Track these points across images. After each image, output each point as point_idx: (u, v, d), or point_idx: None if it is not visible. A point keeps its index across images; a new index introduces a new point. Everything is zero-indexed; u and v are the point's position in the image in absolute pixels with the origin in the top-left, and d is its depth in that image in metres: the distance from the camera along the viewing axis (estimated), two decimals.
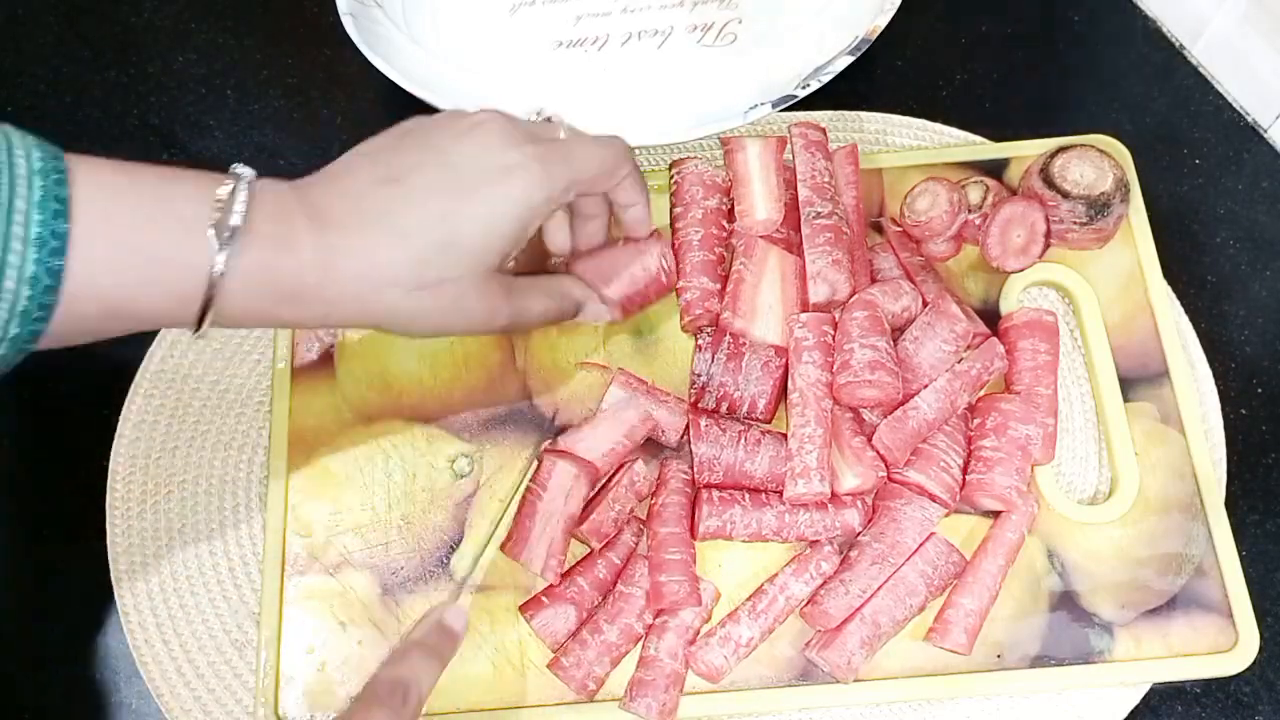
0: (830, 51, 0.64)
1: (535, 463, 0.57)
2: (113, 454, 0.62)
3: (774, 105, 0.62)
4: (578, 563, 0.57)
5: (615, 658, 0.55)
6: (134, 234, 0.41)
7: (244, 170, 0.45)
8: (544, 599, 0.56)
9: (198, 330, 0.44)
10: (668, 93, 0.69)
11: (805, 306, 0.59)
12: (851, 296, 0.59)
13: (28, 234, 0.39)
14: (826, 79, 0.63)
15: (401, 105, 0.70)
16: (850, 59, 0.63)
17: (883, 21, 0.64)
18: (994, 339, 0.59)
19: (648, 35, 0.70)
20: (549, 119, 0.54)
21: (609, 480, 0.58)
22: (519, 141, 0.49)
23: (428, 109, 0.63)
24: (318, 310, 0.46)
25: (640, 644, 0.55)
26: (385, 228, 0.46)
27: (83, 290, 0.41)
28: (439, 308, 0.48)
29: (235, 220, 0.43)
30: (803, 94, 0.62)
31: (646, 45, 0.70)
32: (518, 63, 0.70)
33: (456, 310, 0.49)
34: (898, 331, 0.59)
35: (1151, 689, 0.57)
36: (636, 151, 0.67)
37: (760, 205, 0.60)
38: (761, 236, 0.61)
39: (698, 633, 0.55)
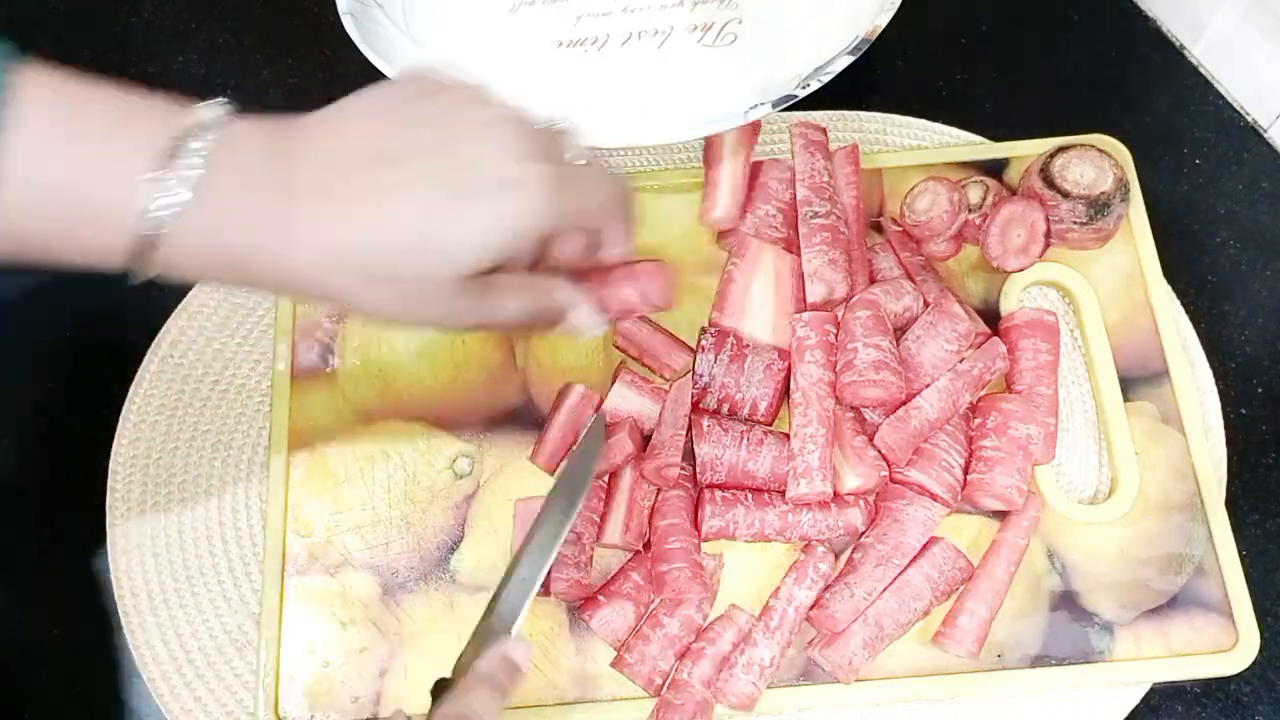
0: (830, 51, 0.64)
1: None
2: (113, 454, 0.62)
3: (774, 105, 0.62)
4: (629, 560, 0.57)
5: (679, 651, 0.55)
6: (80, 155, 0.38)
7: (214, 109, 0.41)
8: (601, 598, 0.56)
9: (136, 278, 0.41)
10: (668, 93, 0.69)
11: (803, 305, 0.59)
12: (849, 295, 0.59)
13: None
14: (827, 79, 0.63)
15: None
16: (851, 59, 0.63)
17: (883, 21, 0.64)
18: (995, 339, 0.59)
19: (648, 35, 0.70)
20: (563, 131, 0.49)
21: (613, 485, 0.58)
22: (532, 157, 0.44)
23: None
24: (269, 278, 0.43)
25: (700, 634, 0.55)
26: (362, 209, 0.42)
27: (8, 198, 0.38)
28: (399, 302, 0.44)
29: (190, 173, 0.39)
30: (803, 94, 0.62)
31: (646, 45, 0.70)
32: (518, 63, 0.70)
33: (418, 308, 0.44)
34: (899, 331, 0.59)
35: (1151, 689, 0.57)
36: (636, 152, 0.68)
37: (722, 201, 0.62)
38: (757, 236, 0.61)
39: (726, 660, 0.54)
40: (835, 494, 0.55)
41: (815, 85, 0.63)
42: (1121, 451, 0.59)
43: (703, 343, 0.59)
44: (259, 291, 0.44)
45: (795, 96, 0.63)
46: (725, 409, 0.58)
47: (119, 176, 0.39)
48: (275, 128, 0.42)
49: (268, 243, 0.41)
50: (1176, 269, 0.64)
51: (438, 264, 0.43)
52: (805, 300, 0.59)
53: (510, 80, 0.69)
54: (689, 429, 0.57)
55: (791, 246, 0.61)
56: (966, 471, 0.57)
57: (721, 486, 0.56)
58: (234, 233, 0.41)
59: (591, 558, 0.56)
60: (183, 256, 0.40)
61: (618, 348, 0.61)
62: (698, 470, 0.56)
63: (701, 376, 0.58)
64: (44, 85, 0.38)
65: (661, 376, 0.61)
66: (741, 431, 0.57)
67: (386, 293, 0.43)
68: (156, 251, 0.40)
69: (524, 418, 0.61)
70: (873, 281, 0.61)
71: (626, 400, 0.59)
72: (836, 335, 0.58)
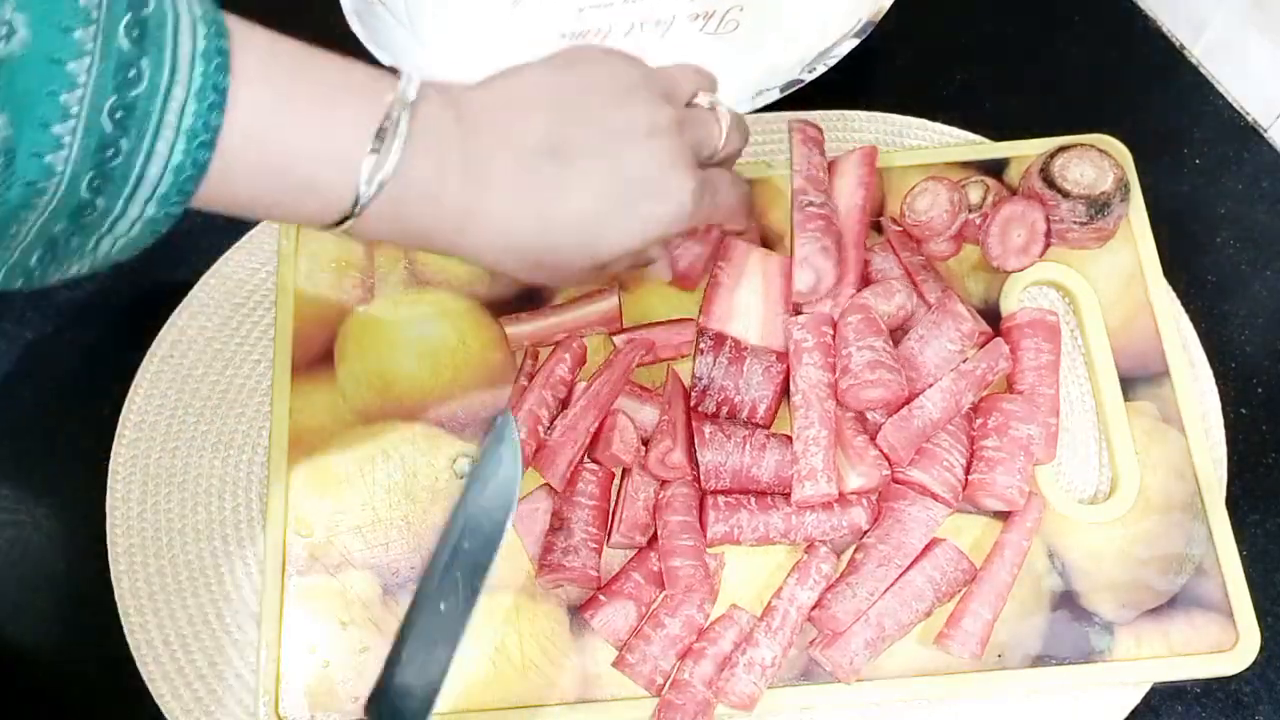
0: (833, 36, 0.64)
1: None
2: (113, 454, 0.62)
3: (781, 90, 0.62)
4: (630, 559, 0.57)
5: (680, 651, 0.55)
6: (288, 148, 0.41)
7: (408, 83, 0.44)
8: (602, 597, 0.56)
9: (334, 229, 0.45)
10: None
11: (790, 303, 0.59)
12: (837, 287, 0.59)
13: (180, 124, 0.38)
14: (833, 62, 0.63)
15: None
16: (856, 41, 0.63)
17: (886, 2, 0.64)
18: (999, 339, 0.59)
19: (650, 25, 0.71)
20: (713, 106, 0.53)
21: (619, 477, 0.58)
22: (679, 166, 0.49)
23: None
24: (446, 248, 0.47)
25: (701, 634, 0.55)
26: (533, 209, 0.47)
27: (225, 183, 0.40)
28: (548, 277, 0.51)
29: (394, 156, 0.42)
30: (809, 78, 0.62)
31: (649, 35, 0.71)
32: (521, 55, 0.70)
33: (563, 280, 0.57)
34: (900, 331, 0.60)
35: (1152, 689, 0.57)
36: None
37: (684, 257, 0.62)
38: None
39: (728, 659, 0.55)
40: (839, 494, 0.55)
41: (821, 69, 0.63)
42: (1122, 451, 0.59)
43: (701, 345, 0.59)
44: (432, 251, 0.49)
45: (802, 81, 0.63)
46: (724, 411, 0.58)
47: (335, 153, 0.42)
48: (461, 107, 0.46)
49: (452, 224, 0.46)
50: (1176, 269, 0.64)
51: (592, 257, 0.49)
52: (792, 294, 0.59)
53: None
54: (689, 430, 0.57)
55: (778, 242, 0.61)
56: (968, 472, 0.57)
57: (725, 492, 0.56)
58: (424, 214, 0.45)
59: (598, 550, 0.56)
60: (377, 225, 0.44)
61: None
62: (701, 476, 0.56)
63: (700, 379, 0.58)
64: (258, 53, 0.41)
65: (672, 361, 0.61)
66: (744, 436, 0.57)
67: (543, 274, 0.50)
68: (359, 219, 0.43)
69: None
70: (868, 283, 0.61)
71: (624, 407, 0.58)
72: (834, 336, 0.58)
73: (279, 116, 0.40)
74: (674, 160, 0.49)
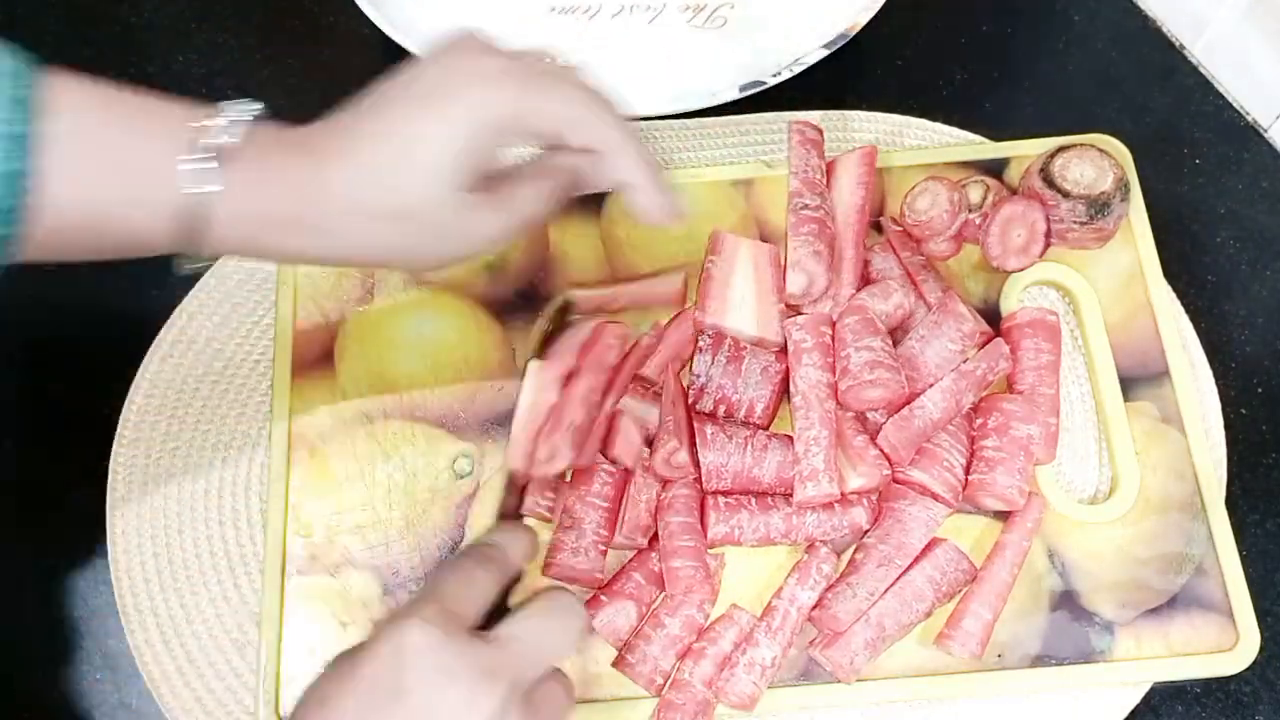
0: (817, 42, 0.65)
1: None
2: (113, 453, 0.62)
3: (741, 89, 0.63)
4: (631, 559, 0.57)
5: (680, 651, 0.55)
6: (116, 144, 0.41)
7: (231, 109, 0.45)
8: (603, 597, 0.56)
9: (188, 255, 0.44)
10: (652, 68, 0.70)
11: (784, 295, 0.59)
12: (832, 289, 0.59)
13: None
14: (799, 70, 0.64)
15: None
16: (825, 53, 0.64)
17: (863, 19, 0.65)
18: (999, 339, 0.59)
19: (640, 10, 0.72)
20: (549, 58, 0.51)
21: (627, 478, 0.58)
22: (486, 55, 0.48)
23: None
24: (311, 239, 0.46)
25: (701, 634, 0.55)
26: (363, 157, 0.46)
27: (56, 197, 0.40)
28: (430, 233, 0.47)
29: (228, 139, 0.43)
30: (773, 82, 0.63)
31: (638, 19, 0.71)
32: (510, 25, 0.71)
33: (450, 228, 0.48)
34: (900, 331, 0.60)
35: (1152, 688, 0.57)
36: None
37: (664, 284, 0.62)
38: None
39: (728, 659, 0.55)
40: (840, 494, 0.55)
41: (787, 75, 0.64)
42: (1122, 451, 0.59)
43: (700, 344, 0.59)
44: (307, 261, 0.48)
45: (764, 84, 0.64)
46: (722, 410, 0.58)
47: (164, 150, 0.42)
48: (286, 127, 0.47)
49: (304, 204, 0.45)
50: (1176, 269, 0.64)
51: (431, 170, 0.46)
52: (784, 288, 0.59)
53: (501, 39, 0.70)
54: (691, 430, 0.57)
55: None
56: (968, 472, 0.57)
57: (726, 493, 0.56)
58: (272, 198, 0.44)
59: (604, 553, 0.56)
60: (231, 225, 0.44)
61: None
62: (703, 477, 0.56)
63: (699, 377, 0.58)
64: (69, 94, 0.41)
65: (658, 322, 0.61)
66: (745, 438, 0.57)
67: (414, 226, 0.47)
68: (204, 232, 0.43)
69: None
70: (869, 283, 0.61)
71: (627, 407, 0.58)
72: (833, 336, 0.58)
73: (93, 154, 0.41)
74: (472, 53, 0.48)
